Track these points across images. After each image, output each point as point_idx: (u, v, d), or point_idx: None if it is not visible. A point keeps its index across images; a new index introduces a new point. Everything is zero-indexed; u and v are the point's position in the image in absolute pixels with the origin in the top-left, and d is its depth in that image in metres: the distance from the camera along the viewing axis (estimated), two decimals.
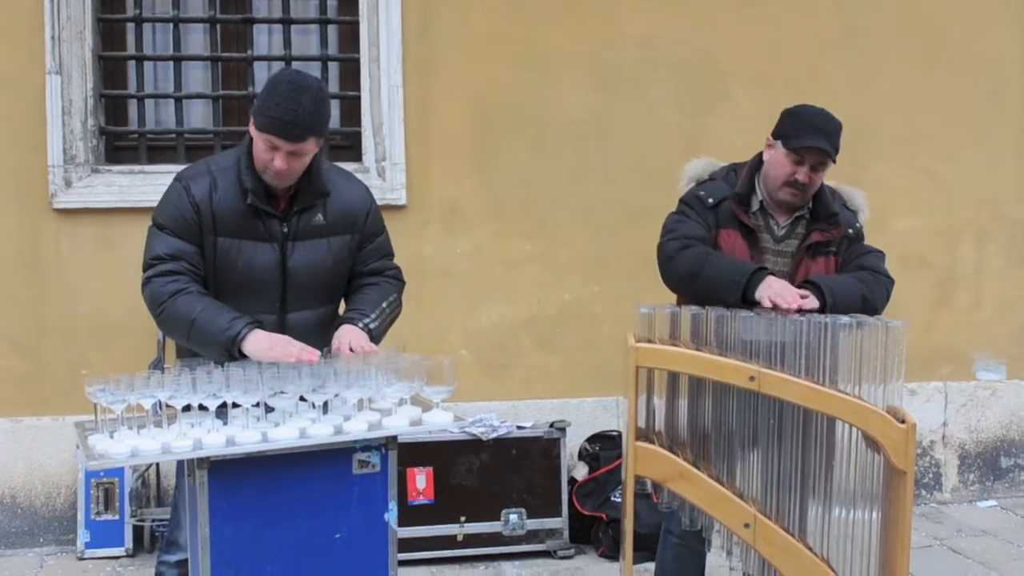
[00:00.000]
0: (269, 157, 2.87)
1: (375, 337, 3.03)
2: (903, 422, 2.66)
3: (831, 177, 3.42)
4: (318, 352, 2.81)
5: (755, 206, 3.28)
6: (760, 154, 3.31)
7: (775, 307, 2.95)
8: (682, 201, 3.36)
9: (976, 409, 5.34)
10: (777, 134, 3.24)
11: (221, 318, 2.83)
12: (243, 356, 2.79)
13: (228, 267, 2.98)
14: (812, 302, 2.99)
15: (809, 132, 3.14)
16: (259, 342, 2.81)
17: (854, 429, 2.70)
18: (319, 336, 3.08)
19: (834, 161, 3.17)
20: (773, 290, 3.00)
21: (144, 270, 2.96)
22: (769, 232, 3.27)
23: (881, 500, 2.75)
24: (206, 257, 2.97)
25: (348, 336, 2.96)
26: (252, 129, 2.91)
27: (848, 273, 3.21)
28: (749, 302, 3.03)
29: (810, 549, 2.74)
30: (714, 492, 2.75)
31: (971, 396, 5.33)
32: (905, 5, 5.13)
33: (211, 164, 3.03)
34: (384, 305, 3.13)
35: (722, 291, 3.05)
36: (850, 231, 3.28)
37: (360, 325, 3.02)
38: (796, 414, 2.73)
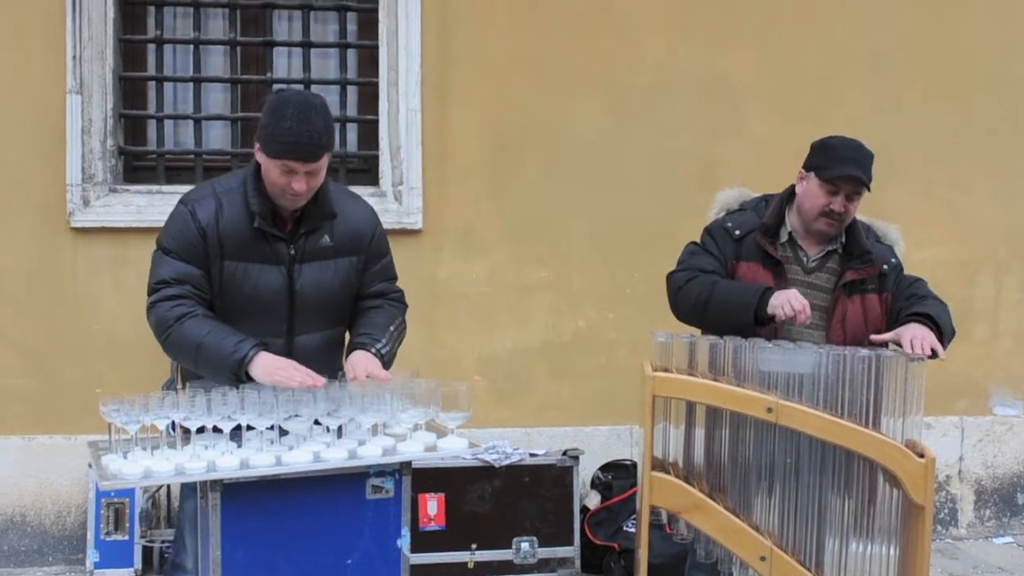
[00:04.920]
0: (286, 181, 2.86)
1: (386, 362, 3.03)
2: (922, 456, 2.63)
3: (864, 212, 3.42)
4: (323, 379, 2.78)
5: (783, 237, 3.28)
6: (792, 187, 3.32)
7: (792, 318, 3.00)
8: (706, 230, 3.37)
9: (993, 444, 5.29)
10: (809, 166, 3.25)
11: (228, 341, 2.81)
12: (250, 379, 2.78)
13: (235, 290, 2.96)
14: (933, 338, 3.00)
15: (843, 162, 3.15)
16: (265, 365, 2.79)
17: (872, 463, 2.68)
18: (326, 359, 3.07)
19: (869, 190, 3.19)
20: (784, 297, 3.02)
21: (149, 294, 2.94)
22: (799, 263, 3.27)
23: (899, 535, 2.72)
24: (213, 280, 2.95)
25: (362, 363, 2.94)
26: (261, 156, 2.89)
27: (923, 304, 3.19)
28: (761, 322, 3.04)
29: None
30: (730, 524, 2.73)
31: (988, 431, 5.28)
32: (924, 32, 5.12)
33: (216, 186, 3.01)
34: (392, 329, 3.12)
35: (734, 314, 3.06)
36: (884, 267, 3.28)
37: (372, 351, 3.00)
38: (814, 446, 2.71)
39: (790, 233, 3.28)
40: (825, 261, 3.28)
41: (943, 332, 3.08)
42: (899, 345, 3.03)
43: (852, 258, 3.26)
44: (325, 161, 2.90)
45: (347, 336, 3.22)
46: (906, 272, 3.39)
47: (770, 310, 3.03)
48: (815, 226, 3.22)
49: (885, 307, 3.27)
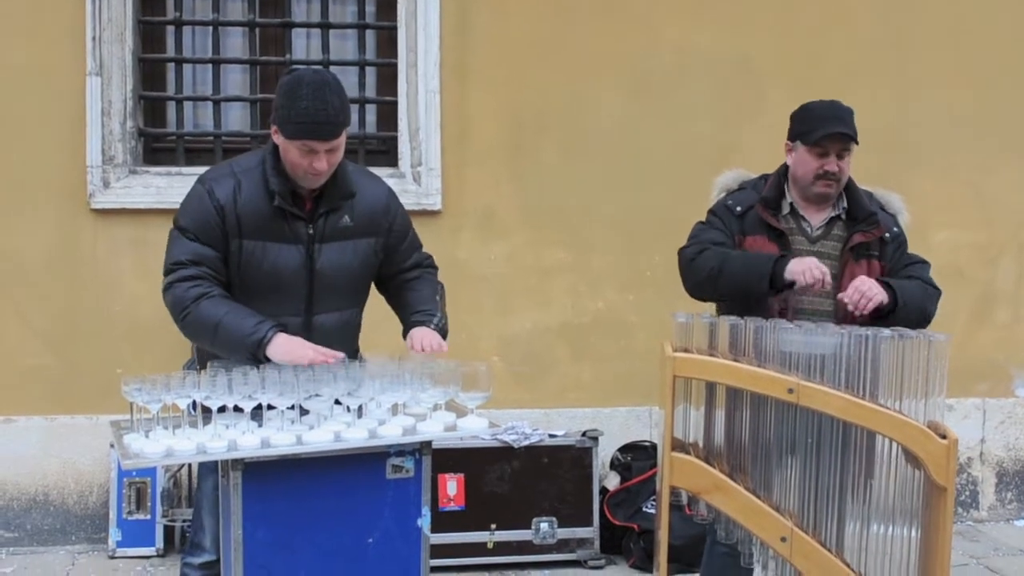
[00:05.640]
0: (308, 161, 2.86)
1: (445, 332, 3.10)
2: (944, 437, 2.61)
3: (868, 184, 3.41)
4: (339, 355, 2.79)
5: (785, 209, 3.31)
6: (786, 163, 3.32)
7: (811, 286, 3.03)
8: (710, 211, 3.41)
9: (1015, 426, 5.26)
10: (793, 135, 3.31)
11: (246, 322, 2.83)
12: (267, 359, 2.79)
13: (253, 269, 2.97)
14: (881, 296, 3.06)
15: (824, 122, 3.20)
16: (283, 345, 2.80)
17: (894, 444, 2.66)
18: (345, 338, 3.08)
19: (856, 143, 3.21)
20: (805, 264, 3.05)
21: (165, 274, 2.95)
22: (802, 234, 3.29)
23: (920, 517, 2.70)
24: (231, 260, 2.95)
25: (422, 337, 3.00)
26: (279, 138, 2.89)
27: (900, 280, 3.22)
28: (778, 289, 3.07)
29: (847, 565, 2.69)
30: (750, 505, 2.71)
31: (1010, 413, 5.25)
32: (946, 15, 5.08)
33: (235, 165, 3.02)
34: (437, 298, 3.20)
35: (747, 283, 3.09)
36: (887, 235, 3.29)
37: (432, 326, 3.06)
38: (835, 427, 2.69)
39: (791, 204, 3.30)
40: (830, 228, 3.29)
41: (899, 305, 3.09)
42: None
43: (857, 222, 3.28)
44: (344, 137, 2.90)
45: (362, 318, 3.25)
46: (911, 250, 3.39)
47: (789, 276, 3.05)
48: (814, 191, 3.25)
49: (883, 275, 3.28)
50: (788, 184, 3.32)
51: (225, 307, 2.86)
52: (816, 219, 3.30)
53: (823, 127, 3.19)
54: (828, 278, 3.06)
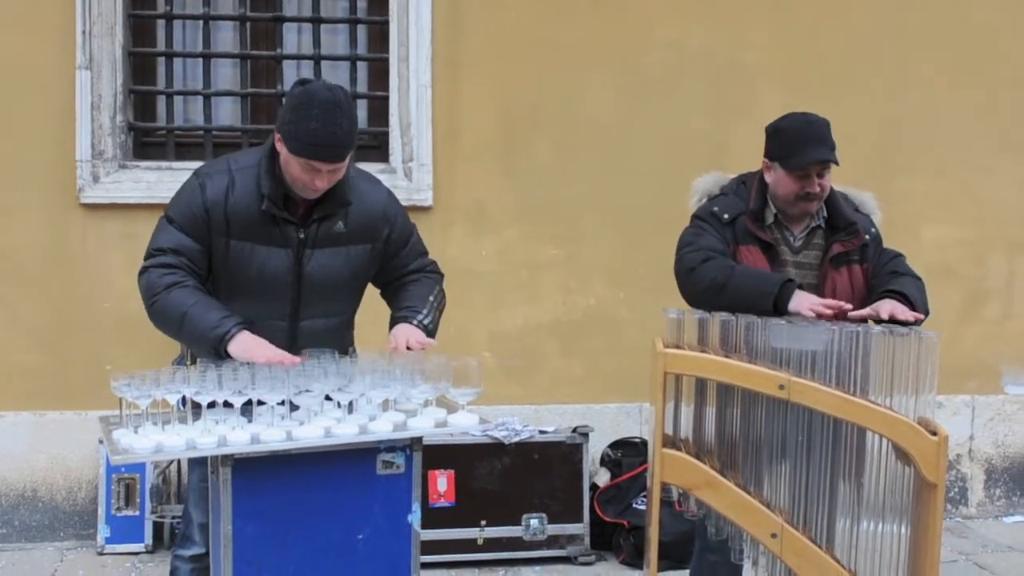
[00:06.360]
0: (309, 178, 2.82)
1: (430, 332, 3.03)
2: (935, 434, 2.62)
3: (851, 183, 3.40)
4: (296, 359, 2.73)
5: (769, 219, 3.26)
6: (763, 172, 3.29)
7: (819, 316, 2.92)
8: (696, 216, 3.32)
9: (1004, 423, 5.27)
10: (771, 156, 3.21)
11: (212, 315, 2.80)
12: (228, 355, 2.75)
13: (241, 270, 2.94)
14: (915, 314, 2.98)
15: (804, 147, 3.11)
16: (243, 342, 2.76)
17: (884, 440, 2.67)
18: (333, 344, 3.04)
19: (837, 163, 3.14)
20: (812, 301, 2.97)
21: (145, 259, 2.94)
22: (787, 244, 3.25)
23: (910, 513, 2.71)
24: (218, 259, 2.93)
25: (404, 334, 2.95)
26: (282, 148, 2.85)
27: (898, 281, 3.17)
28: (780, 313, 3.00)
29: (837, 561, 2.70)
30: (741, 501, 2.72)
31: (999, 410, 5.26)
32: (940, 13, 5.08)
33: (232, 162, 2.98)
34: (431, 299, 3.13)
35: (751, 303, 3.00)
36: (867, 237, 3.26)
37: (415, 323, 3.01)
38: (826, 424, 2.70)
39: (775, 215, 3.25)
40: (811, 238, 3.25)
41: (916, 310, 3.04)
42: (877, 320, 3.00)
43: (837, 231, 3.24)
44: (348, 159, 2.87)
45: (355, 319, 3.22)
46: (901, 245, 3.38)
47: (794, 309, 2.96)
48: (796, 210, 3.20)
49: (867, 278, 3.26)
50: (769, 194, 3.26)
51: (194, 298, 2.83)
52: (798, 229, 3.26)
53: (804, 154, 3.10)
54: (844, 306, 2.95)
